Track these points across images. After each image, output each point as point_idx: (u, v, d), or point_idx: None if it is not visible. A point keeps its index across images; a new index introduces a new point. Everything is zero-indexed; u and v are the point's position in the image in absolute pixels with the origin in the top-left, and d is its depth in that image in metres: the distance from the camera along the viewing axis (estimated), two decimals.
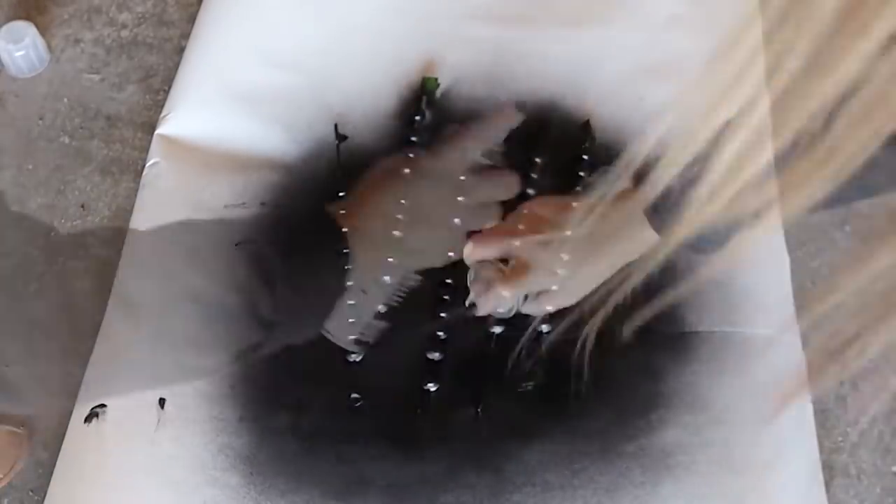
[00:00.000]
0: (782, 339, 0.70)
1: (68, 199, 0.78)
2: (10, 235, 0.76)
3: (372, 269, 0.61)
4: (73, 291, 0.74)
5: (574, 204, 0.67)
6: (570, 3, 0.88)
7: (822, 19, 0.28)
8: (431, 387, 0.70)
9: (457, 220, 0.64)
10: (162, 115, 0.82)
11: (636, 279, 0.44)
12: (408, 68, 0.84)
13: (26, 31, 0.83)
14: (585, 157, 0.78)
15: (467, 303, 0.68)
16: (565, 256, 0.65)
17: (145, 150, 0.80)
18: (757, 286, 0.73)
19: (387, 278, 0.62)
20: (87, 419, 0.68)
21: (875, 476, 0.69)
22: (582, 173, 0.78)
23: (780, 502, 0.66)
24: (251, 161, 0.79)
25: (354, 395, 0.69)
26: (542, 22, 0.87)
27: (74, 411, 0.68)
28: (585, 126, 0.80)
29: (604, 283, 0.52)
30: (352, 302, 0.61)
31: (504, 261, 0.67)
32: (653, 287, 0.44)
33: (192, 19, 0.88)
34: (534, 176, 0.76)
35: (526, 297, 0.68)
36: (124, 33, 0.88)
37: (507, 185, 0.66)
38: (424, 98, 0.82)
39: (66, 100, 0.84)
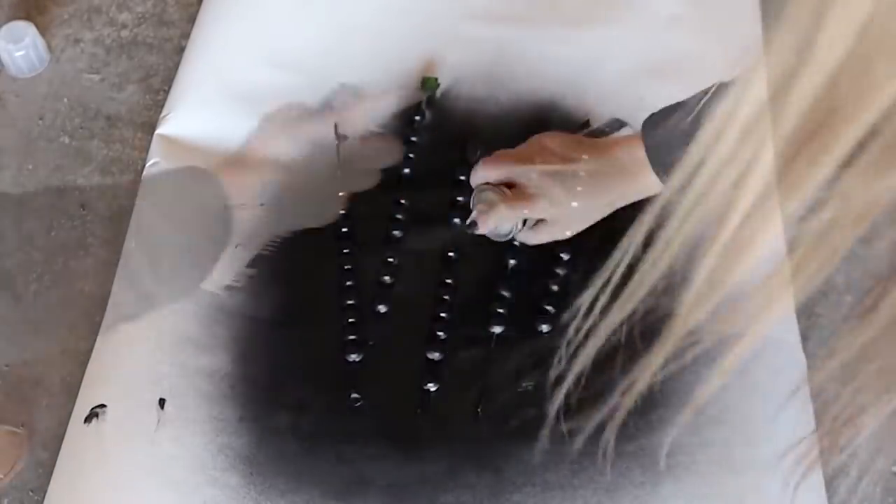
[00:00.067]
0: (782, 339, 0.70)
1: (68, 199, 0.78)
2: (10, 235, 0.77)
3: None
4: (73, 291, 0.74)
5: (584, 140, 0.72)
6: (571, 3, 0.88)
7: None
8: (431, 387, 0.69)
9: None
10: (162, 115, 0.82)
11: (641, 386, 0.43)
12: (408, 68, 0.84)
13: (26, 31, 0.83)
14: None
15: (468, 220, 0.71)
16: (571, 188, 0.68)
17: (145, 150, 0.80)
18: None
19: None
20: (87, 419, 0.68)
21: (875, 476, 0.69)
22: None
23: (780, 502, 0.66)
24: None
25: (354, 395, 0.69)
26: (542, 22, 0.87)
27: (74, 411, 0.68)
28: (585, 126, 0.80)
29: (616, 386, 0.45)
30: None
31: (509, 186, 0.70)
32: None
33: (192, 19, 0.88)
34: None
35: (524, 223, 0.71)
36: (124, 33, 0.88)
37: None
38: (424, 98, 0.82)
39: (66, 100, 0.84)
